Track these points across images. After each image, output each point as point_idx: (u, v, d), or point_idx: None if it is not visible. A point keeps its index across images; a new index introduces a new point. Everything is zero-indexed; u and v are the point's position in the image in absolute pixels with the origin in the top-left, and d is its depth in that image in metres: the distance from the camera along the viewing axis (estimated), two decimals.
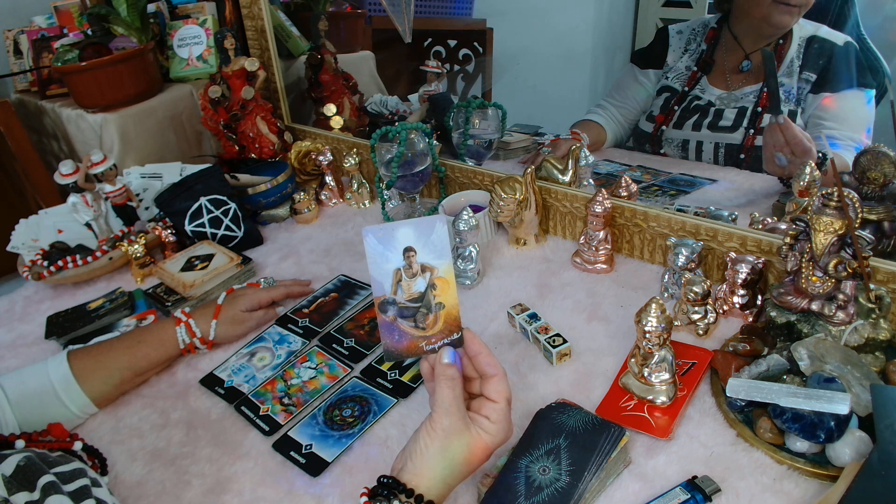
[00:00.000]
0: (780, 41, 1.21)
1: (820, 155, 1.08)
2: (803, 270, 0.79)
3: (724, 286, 0.92)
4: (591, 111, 1.49)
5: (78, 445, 0.70)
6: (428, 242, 0.66)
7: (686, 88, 1.32)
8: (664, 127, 1.34)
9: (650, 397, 0.76)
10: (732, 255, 0.90)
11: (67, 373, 0.83)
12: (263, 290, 1.05)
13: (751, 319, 0.89)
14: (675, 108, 1.33)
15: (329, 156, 1.39)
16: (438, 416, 0.63)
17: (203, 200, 1.24)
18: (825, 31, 1.21)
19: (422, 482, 0.60)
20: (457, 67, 1.82)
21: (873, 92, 1.16)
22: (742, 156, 1.26)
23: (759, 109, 1.23)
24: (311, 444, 0.79)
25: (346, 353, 0.95)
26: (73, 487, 0.58)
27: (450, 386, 0.64)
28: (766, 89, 1.15)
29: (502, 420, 0.65)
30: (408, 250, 0.66)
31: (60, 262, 1.15)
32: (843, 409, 0.64)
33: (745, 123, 1.24)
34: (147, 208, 1.33)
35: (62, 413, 0.82)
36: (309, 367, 0.93)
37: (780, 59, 1.21)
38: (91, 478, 0.61)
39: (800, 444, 0.67)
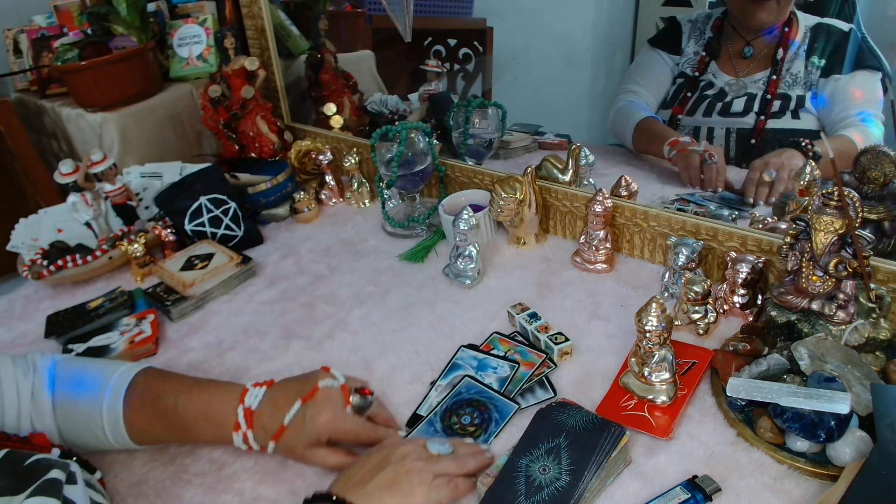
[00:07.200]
0: (786, 28, 1.23)
1: (806, 144, 1.11)
2: (803, 270, 0.79)
3: (725, 286, 0.92)
4: (628, 102, 1.43)
5: (56, 453, 0.66)
6: None
7: (697, 73, 1.33)
8: (680, 116, 1.35)
9: (650, 397, 0.76)
10: (733, 254, 0.91)
11: (120, 424, 0.76)
12: (354, 422, 0.75)
13: (751, 319, 0.89)
14: (689, 94, 1.34)
15: (329, 155, 1.39)
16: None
17: (203, 200, 1.24)
18: (829, 20, 1.23)
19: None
20: (457, 67, 1.82)
21: (881, 74, 1.18)
22: (753, 141, 1.26)
23: (769, 97, 1.24)
24: None
25: None
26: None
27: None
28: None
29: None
30: None
31: (60, 262, 1.15)
32: (843, 409, 0.64)
33: (755, 108, 1.26)
34: (147, 208, 1.33)
35: (100, 439, 0.77)
36: None
37: (787, 47, 1.23)
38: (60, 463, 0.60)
39: (800, 444, 0.67)
